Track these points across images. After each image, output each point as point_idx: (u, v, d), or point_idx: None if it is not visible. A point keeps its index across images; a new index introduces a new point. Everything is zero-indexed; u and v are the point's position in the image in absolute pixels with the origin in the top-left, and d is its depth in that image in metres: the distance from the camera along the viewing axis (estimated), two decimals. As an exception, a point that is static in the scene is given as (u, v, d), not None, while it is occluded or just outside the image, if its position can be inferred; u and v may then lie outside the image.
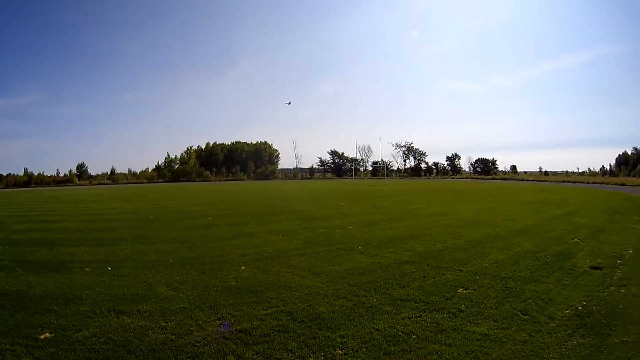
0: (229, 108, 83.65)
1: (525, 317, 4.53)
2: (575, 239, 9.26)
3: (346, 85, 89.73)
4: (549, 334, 4.01)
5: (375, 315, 4.28)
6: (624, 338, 3.79)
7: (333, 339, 3.33)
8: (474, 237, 9.14)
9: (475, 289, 5.35)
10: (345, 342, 3.31)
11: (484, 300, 4.93)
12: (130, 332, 3.10)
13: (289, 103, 63.95)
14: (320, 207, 14.43)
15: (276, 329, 3.39)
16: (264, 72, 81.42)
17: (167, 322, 3.39)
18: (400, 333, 3.92)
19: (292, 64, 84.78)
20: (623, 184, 38.22)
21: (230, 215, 11.83)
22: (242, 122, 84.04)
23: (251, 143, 58.70)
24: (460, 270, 6.26)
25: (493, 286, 5.59)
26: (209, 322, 3.46)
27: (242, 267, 5.52)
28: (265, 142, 59.98)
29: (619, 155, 74.99)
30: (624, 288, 5.53)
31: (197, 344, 2.92)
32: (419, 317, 4.37)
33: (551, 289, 5.57)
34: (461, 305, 4.79)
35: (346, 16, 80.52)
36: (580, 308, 4.73)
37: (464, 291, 5.25)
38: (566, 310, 4.69)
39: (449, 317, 4.36)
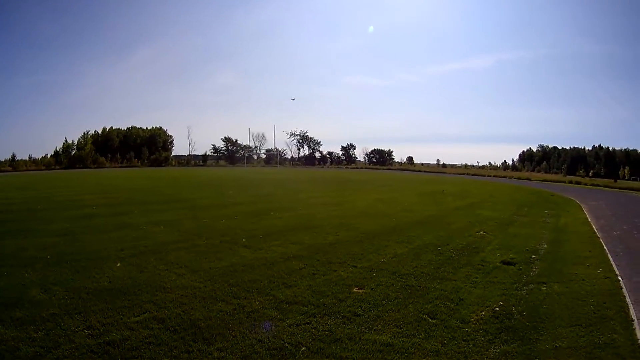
0: (128, 93, 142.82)
1: (434, 321, 6.65)
2: (482, 232, 15.00)
3: (244, 73, 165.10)
4: (465, 341, 5.95)
5: (258, 323, 6.28)
6: (555, 343, 6.21)
7: (209, 353, 5.38)
8: (369, 229, 14.54)
9: (372, 288, 8.07)
10: (222, 357, 5.30)
11: (384, 302, 7.27)
12: (3, 344, 5.57)
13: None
14: (208, 195, 24.80)
15: (147, 340, 5.67)
16: (163, 58, 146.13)
17: (37, 332, 5.91)
18: (286, 345, 5.72)
19: (190, 50, 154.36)
20: (528, 179, 76.26)
21: (116, 204, 20.46)
22: (139, 107, 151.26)
23: (146, 129, 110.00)
24: (355, 266, 9.64)
25: (393, 284, 8.44)
26: (77, 331, 5.95)
27: (118, 264, 9.34)
28: (160, 127, 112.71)
29: (523, 151, 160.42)
30: (544, 285, 9.14)
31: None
32: (308, 323, 6.47)
33: (460, 287, 8.49)
34: (357, 308, 7.10)
35: (249, 6, 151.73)
36: (497, 309, 7.37)
37: (360, 291, 7.80)
38: (481, 311, 7.20)
39: (344, 323, 6.37)
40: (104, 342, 5.54)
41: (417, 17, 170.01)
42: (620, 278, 10.03)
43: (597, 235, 16.18)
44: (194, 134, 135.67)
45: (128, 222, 14.87)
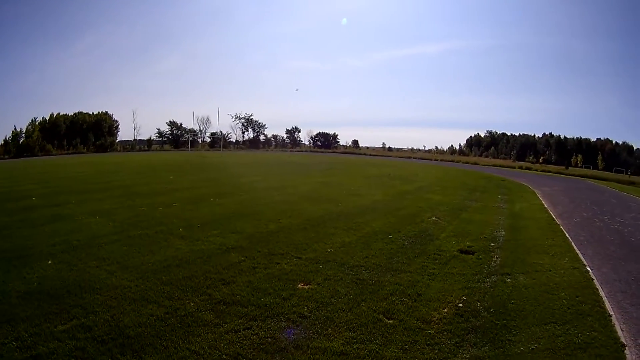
0: (75, 78, 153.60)
1: (391, 321, 6.25)
2: (434, 217, 15.07)
3: (190, 57, 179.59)
4: (429, 345, 5.57)
5: (191, 329, 6.00)
6: (531, 345, 5.98)
7: (138, 370, 5.08)
8: (313, 215, 15.02)
9: (319, 283, 7.82)
10: (153, 373, 4.95)
11: (333, 300, 6.94)
12: None
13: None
14: (149, 181, 25.02)
15: (73, 353, 5.50)
16: (109, 42, 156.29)
17: (-35, 350, 5.84)
18: (224, 356, 5.33)
19: (136, 35, 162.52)
20: (476, 163, 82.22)
21: (55, 193, 20.64)
22: (87, 93, 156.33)
23: (92, 114, 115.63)
24: (299, 258, 9.60)
25: (342, 278, 8.18)
26: (6, 344, 5.72)
27: (49, 262, 9.31)
28: (106, 112, 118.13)
29: (471, 136, 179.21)
30: (509, 277, 9.03)
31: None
32: (248, 328, 6.05)
33: (417, 280, 8.21)
34: (303, 308, 6.72)
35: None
36: (460, 305, 7.10)
37: (306, 287, 7.51)
38: (443, 308, 6.89)
39: (289, 327, 5.96)
40: (30, 357, 5.30)
41: (366, 3, 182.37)
42: (589, 269, 10.12)
43: (557, 222, 16.52)
44: (139, 119, 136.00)
45: (64, 213, 14.56)
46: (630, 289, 9.04)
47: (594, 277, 9.40)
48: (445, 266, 9.40)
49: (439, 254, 10.31)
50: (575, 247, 12.26)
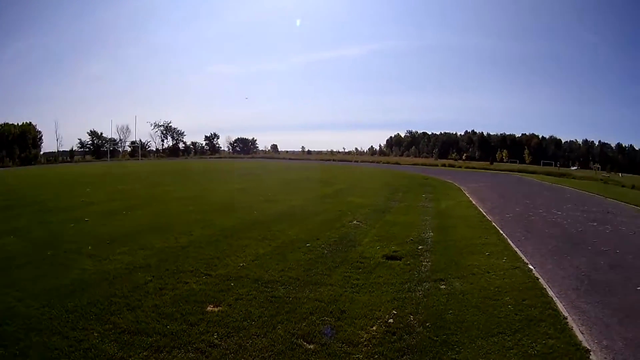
0: (5, 85, 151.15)
1: (312, 346, 5.63)
2: (355, 221, 14.71)
3: (111, 65, 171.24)
4: None
5: None
6: None
7: None
8: (227, 225, 14.48)
9: (230, 305, 7.25)
10: None
11: (246, 323, 6.40)
12: None
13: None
14: (65, 195, 24.27)
15: None
16: (35, 51, 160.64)
17: None
18: None
19: (58, 43, 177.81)
20: (397, 163, 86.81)
21: None
22: (14, 103, 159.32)
23: (17, 125, 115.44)
24: (209, 275, 9.02)
25: (256, 297, 7.62)
26: None
27: None
28: (30, 123, 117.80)
29: (391, 137, 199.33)
30: (443, 283, 8.61)
31: None
32: None
33: (339, 294, 7.59)
34: (213, 335, 6.26)
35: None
36: (391, 321, 6.54)
37: (216, 309, 7.12)
38: (371, 326, 6.29)
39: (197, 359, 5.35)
40: None
41: (288, 5, 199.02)
42: (531, 267, 9.97)
43: (488, 219, 16.69)
44: (62, 129, 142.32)
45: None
46: (582, 285, 8.98)
47: (538, 276, 9.22)
48: (370, 275, 8.88)
49: (363, 262, 9.82)
50: (512, 245, 12.22)
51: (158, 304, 7.17)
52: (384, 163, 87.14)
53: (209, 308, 6.96)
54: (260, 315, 6.62)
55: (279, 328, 6.17)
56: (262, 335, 5.97)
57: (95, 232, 12.97)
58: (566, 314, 7.09)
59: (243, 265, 9.43)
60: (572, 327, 6.57)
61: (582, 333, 6.42)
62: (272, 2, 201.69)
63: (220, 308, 6.95)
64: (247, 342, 5.83)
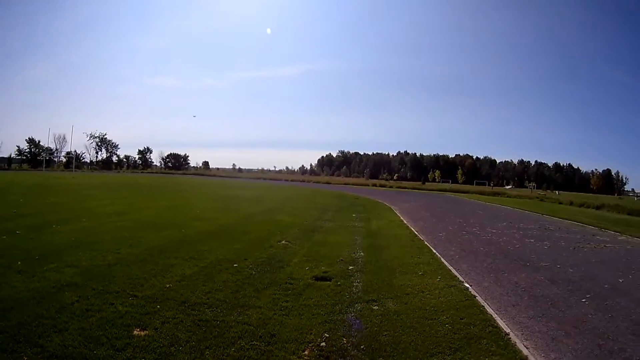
0: None
1: None
2: (284, 241, 14.68)
3: (53, 69, 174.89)
4: None
5: None
6: None
7: None
8: (154, 243, 14.18)
9: (157, 328, 7.17)
10: None
11: (173, 349, 6.23)
12: None
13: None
14: None
15: None
16: None
17: None
18: None
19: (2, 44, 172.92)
20: (328, 182, 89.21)
21: None
22: None
23: None
24: (136, 296, 8.78)
25: (182, 320, 7.41)
26: None
27: None
28: None
29: (322, 156, 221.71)
30: (375, 304, 8.57)
31: None
32: None
33: (268, 317, 7.43)
34: None
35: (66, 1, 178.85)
36: (323, 344, 6.42)
37: (142, 333, 6.96)
38: (303, 351, 6.16)
39: None
40: None
41: (232, 23, 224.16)
42: (467, 285, 10.09)
43: (420, 238, 16.95)
44: (3, 134, 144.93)
45: None
46: (522, 301, 9.16)
47: (475, 294, 9.34)
48: (300, 297, 8.77)
49: (292, 283, 9.73)
50: (446, 264, 12.40)
51: (84, 327, 6.89)
52: (314, 182, 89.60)
53: (135, 332, 6.73)
54: (187, 340, 6.44)
55: (207, 354, 6.01)
56: (189, 363, 5.73)
57: (25, 246, 12.60)
58: (508, 330, 7.19)
59: (169, 286, 9.18)
60: (515, 342, 6.67)
61: (526, 347, 6.54)
62: (214, 20, 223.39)
63: (147, 332, 6.72)
64: (174, 368, 5.57)
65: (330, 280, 10.12)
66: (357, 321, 6.68)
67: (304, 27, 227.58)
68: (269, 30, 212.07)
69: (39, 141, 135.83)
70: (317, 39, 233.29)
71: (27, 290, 8.97)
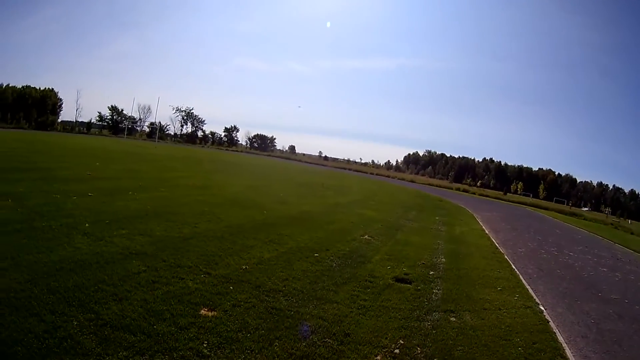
0: (27, 51, 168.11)
1: None
2: (367, 236, 14.37)
3: (142, 42, 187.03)
4: None
5: (67, 358, 5.13)
6: None
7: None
8: (234, 222, 14.04)
9: (226, 311, 6.82)
10: None
11: (241, 335, 5.91)
12: None
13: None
14: (71, 166, 24.21)
15: None
16: (65, 19, 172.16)
17: None
18: None
19: (91, 14, 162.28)
20: (412, 181, 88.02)
21: None
22: (36, 66, 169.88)
23: (39, 89, 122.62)
24: (209, 274, 8.50)
25: (255, 306, 7.07)
26: None
27: None
28: (52, 89, 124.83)
29: (409, 154, 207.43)
30: (453, 315, 8.22)
31: None
32: None
33: (345, 314, 7.17)
34: (203, 344, 5.70)
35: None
36: (397, 352, 6.12)
37: (210, 314, 6.62)
38: (376, 355, 5.88)
39: None
40: None
41: (320, 10, 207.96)
42: (542, 308, 9.62)
43: (501, 251, 16.28)
44: (82, 99, 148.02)
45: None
46: (590, 333, 8.61)
47: (549, 319, 8.84)
48: (379, 297, 8.46)
49: (372, 281, 9.39)
50: (524, 282, 11.82)
51: (148, 299, 6.69)
52: (399, 179, 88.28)
53: (202, 311, 6.47)
54: (257, 327, 6.13)
55: (276, 345, 5.69)
56: (257, 351, 5.49)
57: (96, 209, 12.62)
58: None
59: (246, 268, 8.98)
60: None
61: None
62: (305, 6, 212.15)
63: (215, 313, 6.44)
64: (240, 357, 5.34)
65: (410, 283, 9.81)
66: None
67: (400, 20, 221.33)
68: (328, 24, 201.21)
69: (122, 110, 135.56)
70: (413, 34, 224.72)
71: (91, 253, 8.85)
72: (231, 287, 7.65)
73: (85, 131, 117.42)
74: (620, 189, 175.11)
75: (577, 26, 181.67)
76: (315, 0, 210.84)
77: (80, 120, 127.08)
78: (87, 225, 10.64)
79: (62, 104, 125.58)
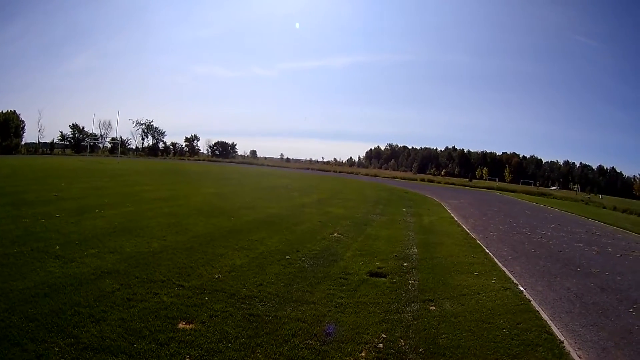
0: None
1: None
2: (336, 234, 14.52)
3: (99, 57, 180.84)
4: None
5: None
6: None
7: None
8: (203, 231, 14.13)
9: (204, 322, 6.85)
10: None
11: (222, 345, 5.93)
12: None
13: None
14: (38, 188, 23.95)
15: None
16: (21, 38, 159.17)
17: None
18: None
19: (45, 32, 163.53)
20: (376, 175, 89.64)
21: None
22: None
23: (2, 112, 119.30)
24: (182, 287, 8.56)
25: (232, 314, 7.11)
26: None
27: None
28: (14, 111, 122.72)
29: (370, 149, 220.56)
30: (432, 304, 8.33)
31: None
32: None
33: (324, 314, 7.19)
34: (185, 358, 5.69)
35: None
36: (381, 346, 6.16)
37: (188, 327, 6.69)
38: (360, 352, 5.91)
39: None
40: None
41: (279, 13, 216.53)
42: (522, 288, 9.82)
43: (473, 237, 16.59)
44: (46, 120, 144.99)
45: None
46: (574, 307, 8.84)
47: (530, 298, 9.04)
48: (355, 293, 8.53)
49: (346, 278, 9.48)
50: (500, 265, 12.06)
51: (125, 318, 6.63)
52: (362, 175, 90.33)
53: (180, 325, 6.44)
54: (237, 336, 6.14)
55: (258, 352, 5.69)
56: (240, 360, 5.44)
57: (65, 230, 12.56)
58: (562, 338, 6.97)
59: (218, 277, 9.00)
60: (569, 351, 6.47)
61: (579, 357, 6.30)
62: (265, 8, 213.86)
63: (193, 326, 6.43)
64: (223, 367, 5.28)
65: (385, 276, 9.91)
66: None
67: (350, 18, 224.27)
68: (297, 25, 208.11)
69: (83, 127, 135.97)
70: (364, 31, 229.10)
71: (64, 276, 8.85)
72: (206, 298, 7.66)
73: (49, 152, 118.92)
74: (588, 165, 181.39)
75: (531, 15, 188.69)
76: (275, 2, 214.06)
77: (43, 141, 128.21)
78: (57, 247, 10.70)
79: (24, 126, 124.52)
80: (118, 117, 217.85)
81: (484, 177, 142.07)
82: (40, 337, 5.91)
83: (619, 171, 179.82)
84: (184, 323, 6.51)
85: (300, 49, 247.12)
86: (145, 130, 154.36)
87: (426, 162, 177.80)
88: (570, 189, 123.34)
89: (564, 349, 6.51)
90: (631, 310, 8.97)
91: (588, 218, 31.40)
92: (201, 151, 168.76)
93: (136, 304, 7.24)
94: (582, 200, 64.50)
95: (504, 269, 11.56)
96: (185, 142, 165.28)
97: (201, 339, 6.03)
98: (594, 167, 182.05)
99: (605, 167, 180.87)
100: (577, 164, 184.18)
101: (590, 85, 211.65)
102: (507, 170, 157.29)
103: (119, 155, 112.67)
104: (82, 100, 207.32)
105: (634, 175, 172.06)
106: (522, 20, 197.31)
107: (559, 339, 6.89)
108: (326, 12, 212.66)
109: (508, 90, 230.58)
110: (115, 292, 7.80)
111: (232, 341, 6.00)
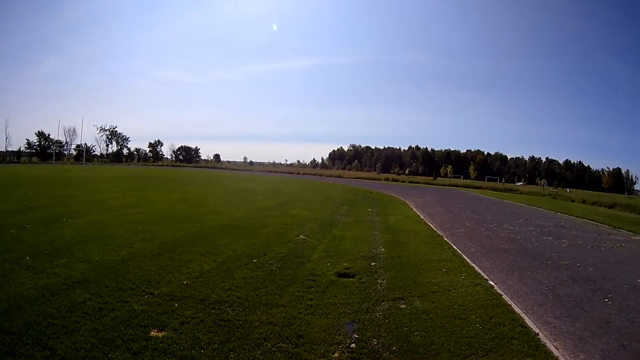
0: None
1: None
2: (302, 236, 14.57)
3: (64, 63, 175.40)
4: None
5: None
6: None
7: None
8: (169, 238, 14.08)
9: (176, 329, 6.92)
10: None
11: (194, 352, 6.00)
12: None
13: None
14: (6, 198, 23.84)
15: None
16: None
17: None
18: None
19: (15, 37, 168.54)
20: (340, 176, 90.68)
21: None
22: None
23: None
24: (152, 294, 8.56)
25: (203, 320, 7.15)
26: None
27: None
28: None
29: (333, 150, 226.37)
30: (402, 302, 8.42)
31: None
32: None
33: (294, 317, 7.23)
34: None
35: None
36: (354, 346, 6.22)
37: (160, 334, 6.73)
38: (334, 353, 5.96)
39: None
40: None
41: (243, 17, 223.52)
42: (492, 283, 9.95)
43: (439, 234, 16.81)
44: (12, 128, 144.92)
45: None
46: (547, 300, 9.02)
47: (501, 293, 9.19)
48: (325, 295, 8.60)
49: (315, 280, 9.56)
50: (469, 261, 12.24)
51: (97, 328, 6.63)
52: (326, 176, 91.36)
53: (152, 333, 6.47)
54: (209, 342, 6.19)
55: (231, 357, 5.75)
56: (213, 366, 5.45)
57: (34, 240, 12.44)
58: (537, 330, 7.08)
59: (187, 283, 8.98)
60: (545, 343, 6.58)
61: (556, 348, 6.39)
62: (224, 14, 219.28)
63: (165, 333, 6.45)
64: (197, 374, 5.27)
65: (353, 277, 9.99)
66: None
67: (311, 21, 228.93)
68: (275, 27, 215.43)
69: (49, 134, 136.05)
70: (325, 33, 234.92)
71: (35, 287, 8.84)
72: (176, 305, 7.66)
73: (16, 160, 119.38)
74: (555, 160, 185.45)
75: (493, 16, 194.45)
76: (238, 7, 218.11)
77: (10, 149, 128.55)
78: (28, 258, 10.63)
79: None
80: (82, 124, 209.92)
81: (449, 175, 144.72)
82: (17, 350, 5.94)
83: (586, 165, 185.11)
84: (156, 331, 6.53)
85: (263, 52, 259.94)
86: (110, 137, 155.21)
87: (390, 161, 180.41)
88: (537, 184, 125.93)
89: (540, 341, 6.63)
90: (607, 300, 9.21)
91: (556, 212, 32.18)
92: (165, 156, 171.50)
93: (107, 313, 7.22)
94: (549, 195, 66.03)
95: (473, 265, 11.72)
96: (149, 147, 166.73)
97: (174, 346, 6.05)
98: (561, 161, 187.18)
99: (572, 162, 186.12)
100: (544, 159, 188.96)
101: (556, 80, 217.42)
102: (472, 167, 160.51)
103: (84, 162, 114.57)
104: (47, 107, 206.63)
105: (602, 169, 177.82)
106: (484, 20, 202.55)
107: (534, 331, 7.02)
108: (291, 14, 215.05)
109: (472, 88, 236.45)
110: (87, 301, 7.76)
111: (205, 347, 6.02)
